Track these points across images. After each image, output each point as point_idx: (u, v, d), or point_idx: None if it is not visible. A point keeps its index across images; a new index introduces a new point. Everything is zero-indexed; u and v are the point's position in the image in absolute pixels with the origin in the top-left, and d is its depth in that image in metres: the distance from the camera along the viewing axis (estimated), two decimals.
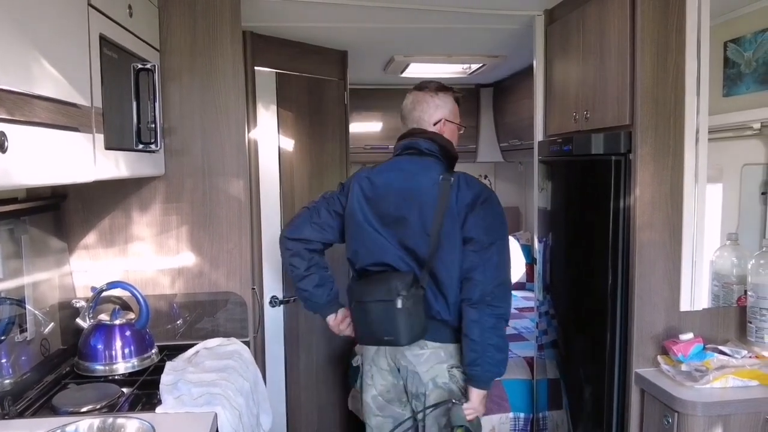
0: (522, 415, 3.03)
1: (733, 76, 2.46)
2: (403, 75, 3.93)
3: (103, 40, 1.59)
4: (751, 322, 2.03)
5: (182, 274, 2.33)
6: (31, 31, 1.20)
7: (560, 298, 2.64)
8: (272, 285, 2.88)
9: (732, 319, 2.11)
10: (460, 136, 2.23)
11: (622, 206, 2.07)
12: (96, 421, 1.61)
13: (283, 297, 2.91)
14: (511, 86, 4.27)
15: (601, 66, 2.20)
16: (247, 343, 2.23)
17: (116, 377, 1.99)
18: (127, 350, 2.03)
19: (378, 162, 2.17)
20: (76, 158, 1.44)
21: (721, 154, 2.42)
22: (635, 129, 2.01)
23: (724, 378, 1.87)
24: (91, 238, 2.27)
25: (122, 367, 2.01)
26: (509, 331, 3.10)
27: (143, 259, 2.30)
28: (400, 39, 3.19)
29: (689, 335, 1.98)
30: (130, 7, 1.83)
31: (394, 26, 2.91)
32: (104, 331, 2.04)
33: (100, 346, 2.01)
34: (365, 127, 4.50)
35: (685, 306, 2.06)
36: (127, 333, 2.05)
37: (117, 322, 2.06)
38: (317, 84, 3.17)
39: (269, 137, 2.89)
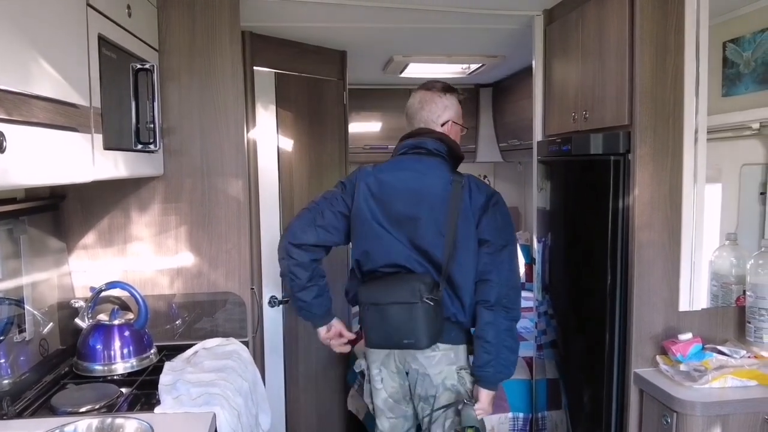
0: (521, 415, 3.03)
1: (732, 76, 2.46)
2: (403, 75, 3.93)
3: (102, 40, 1.59)
4: (749, 322, 2.03)
5: (181, 274, 2.33)
6: (29, 31, 1.21)
7: (559, 298, 2.64)
8: (271, 285, 2.88)
9: (731, 319, 2.11)
10: (462, 138, 2.24)
11: (621, 206, 2.07)
12: (95, 422, 1.61)
13: (282, 297, 2.91)
14: (510, 86, 4.27)
15: (600, 66, 2.20)
16: (246, 343, 2.22)
17: (115, 377, 1.98)
18: (125, 350, 2.03)
19: (377, 162, 2.16)
20: (75, 158, 1.44)
21: (720, 154, 2.42)
22: (634, 129, 2.01)
23: (722, 378, 1.87)
24: (90, 238, 2.27)
25: (121, 367, 2.01)
26: None
27: (142, 259, 2.30)
28: (399, 39, 3.19)
29: (688, 335, 1.99)
30: (128, 7, 1.83)
31: (393, 26, 2.91)
32: (103, 331, 2.03)
33: (98, 347, 2.01)
34: (364, 127, 4.50)
35: (684, 306, 2.06)
36: (126, 333, 2.05)
37: (116, 322, 2.06)
38: (316, 84, 3.17)
39: (268, 137, 2.89)
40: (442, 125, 2.15)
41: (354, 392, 3.26)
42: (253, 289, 2.45)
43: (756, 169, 2.38)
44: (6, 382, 1.73)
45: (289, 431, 3.03)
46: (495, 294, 1.99)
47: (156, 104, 1.92)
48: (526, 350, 3.18)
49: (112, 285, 2.12)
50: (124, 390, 1.86)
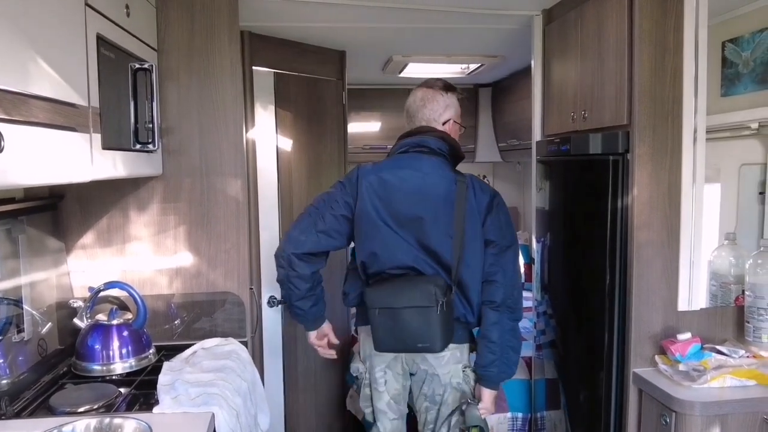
0: (520, 415, 3.03)
1: (731, 76, 2.46)
2: (402, 75, 3.93)
3: (101, 39, 1.59)
4: (748, 322, 2.03)
5: (180, 274, 2.32)
6: (28, 31, 1.20)
7: (558, 298, 2.64)
8: (270, 285, 2.88)
9: (730, 319, 2.11)
10: (460, 137, 2.24)
11: (620, 206, 2.07)
12: (93, 422, 1.61)
13: (281, 297, 2.91)
14: (509, 86, 4.27)
15: (599, 66, 2.20)
16: (245, 343, 2.22)
17: (114, 377, 1.98)
18: (124, 350, 2.02)
19: (376, 161, 2.16)
20: (74, 158, 1.44)
21: (719, 154, 2.42)
22: (633, 129, 2.01)
23: (721, 378, 1.87)
24: (88, 237, 2.27)
25: (120, 367, 2.01)
26: None
27: (141, 259, 2.30)
28: (398, 39, 3.19)
29: (687, 335, 1.98)
30: (127, 6, 1.83)
31: (392, 26, 2.91)
32: (102, 331, 2.03)
33: (97, 346, 2.01)
34: (363, 127, 4.50)
35: (682, 306, 2.06)
36: (125, 333, 2.05)
37: (114, 322, 2.06)
38: (315, 84, 3.17)
39: (267, 137, 2.88)
40: (444, 124, 2.14)
41: (353, 392, 3.26)
42: (252, 289, 2.45)
43: (755, 169, 2.38)
44: (4, 382, 1.73)
45: (288, 431, 3.03)
46: (501, 295, 2.01)
47: (155, 104, 1.93)
48: (525, 350, 3.17)
49: (110, 285, 2.12)
50: (122, 390, 1.86)
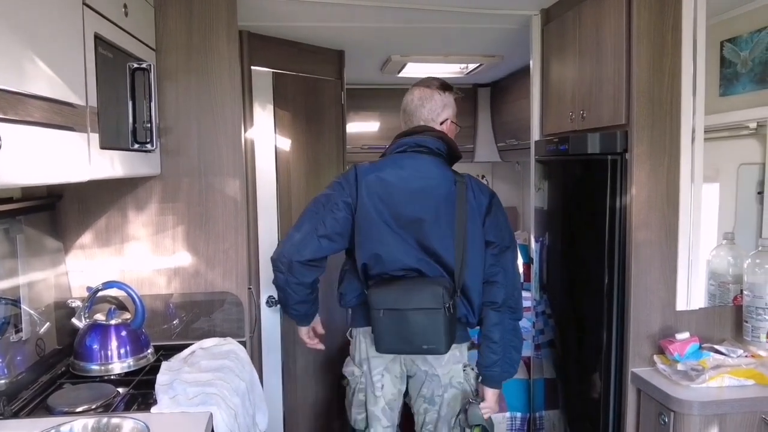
0: (519, 414, 3.03)
1: (729, 76, 2.46)
2: (400, 75, 3.93)
3: (98, 39, 1.59)
4: (747, 322, 2.03)
5: (178, 274, 2.32)
6: (25, 30, 1.20)
7: (557, 297, 2.64)
8: (269, 285, 2.87)
9: (728, 319, 2.12)
10: (456, 136, 2.23)
11: (619, 206, 2.08)
12: (90, 421, 1.60)
13: (277, 299, 2.90)
14: (508, 86, 4.27)
15: (598, 65, 2.20)
16: (243, 343, 2.22)
17: (112, 377, 1.98)
18: (122, 350, 2.02)
19: (373, 161, 2.15)
20: (71, 158, 1.43)
21: (717, 154, 2.42)
22: (631, 128, 2.01)
23: (720, 377, 1.87)
24: (87, 237, 2.27)
25: (118, 367, 2.00)
26: None
27: (139, 258, 2.30)
28: (397, 39, 3.19)
29: (685, 334, 1.98)
30: (125, 6, 1.83)
31: (391, 26, 2.91)
32: (100, 331, 2.03)
33: (95, 346, 2.00)
34: (362, 126, 4.50)
35: (681, 305, 2.06)
36: (123, 333, 2.04)
37: (113, 322, 2.06)
38: (314, 84, 3.17)
39: (266, 137, 2.88)
40: (441, 123, 2.14)
41: None
42: (250, 288, 2.45)
43: (753, 169, 2.38)
44: (2, 382, 1.73)
45: (287, 431, 3.02)
46: (502, 295, 2.02)
47: (153, 104, 1.92)
48: (524, 350, 3.17)
49: (109, 285, 2.12)
50: (120, 390, 1.86)
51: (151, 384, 1.82)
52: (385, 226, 1.98)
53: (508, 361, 2.06)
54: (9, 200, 1.87)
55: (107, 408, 1.72)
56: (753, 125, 2.28)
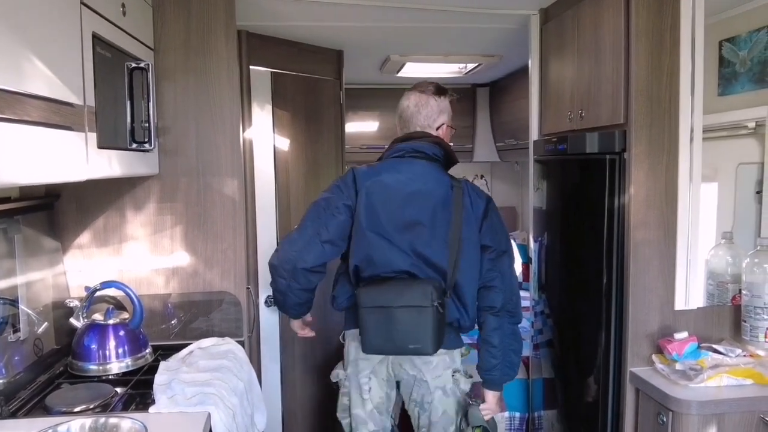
0: (517, 414, 3.03)
1: (728, 75, 2.46)
2: (399, 75, 3.93)
3: (96, 38, 1.59)
4: (745, 321, 2.03)
5: (176, 274, 2.32)
6: (22, 30, 1.20)
7: (555, 297, 2.64)
8: (267, 285, 2.87)
9: (726, 318, 2.12)
10: (454, 136, 2.24)
11: (617, 205, 2.08)
12: (88, 421, 1.60)
13: (273, 299, 2.90)
14: (507, 86, 4.27)
15: (596, 65, 2.20)
16: (241, 343, 2.22)
17: (110, 377, 1.98)
18: (120, 350, 2.02)
19: (371, 161, 2.16)
20: (69, 157, 1.43)
21: (716, 153, 2.42)
22: (630, 128, 2.01)
23: (718, 377, 1.87)
24: (85, 237, 2.26)
25: (116, 366, 2.00)
26: None
27: (137, 258, 2.30)
28: (396, 38, 3.19)
29: (684, 334, 1.98)
30: (123, 5, 1.83)
31: (389, 26, 2.91)
32: (98, 330, 2.03)
33: (93, 346, 2.00)
34: (361, 126, 4.50)
35: (679, 305, 2.06)
36: (121, 333, 2.04)
37: (111, 321, 2.05)
38: (313, 83, 3.17)
39: (264, 137, 2.88)
40: (437, 129, 2.14)
41: None
42: (249, 288, 2.44)
43: (752, 168, 2.38)
44: (0, 381, 1.72)
45: (285, 431, 3.02)
46: (500, 300, 2.02)
47: (151, 103, 1.92)
48: (523, 349, 3.18)
49: (107, 284, 2.11)
50: (118, 390, 1.86)
51: (149, 384, 1.81)
52: (381, 229, 1.97)
53: (508, 365, 2.07)
54: (7, 200, 1.87)
55: (105, 408, 1.72)
56: (751, 125, 2.28)
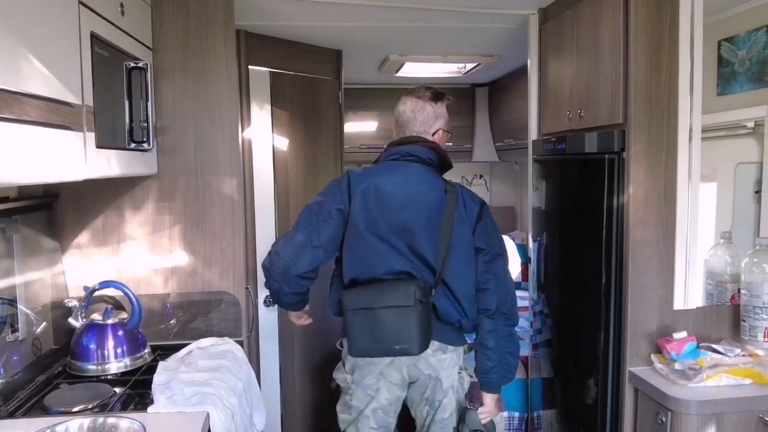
0: (516, 414, 3.03)
1: (727, 75, 2.46)
2: (398, 74, 3.93)
3: (95, 38, 1.58)
4: (744, 321, 2.03)
5: (175, 274, 2.32)
6: (20, 29, 1.20)
7: (554, 297, 2.64)
8: None
9: (725, 318, 2.12)
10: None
11: (616, 204, 2.07)
12: (86, 421, 1.60)
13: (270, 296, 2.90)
14: (506, 86, 4.27)
15: (595, 64, 2.20)
16: (240, 343, 2.22)
17: (108, 377, 1.97)
18: (119, 350, 2.02)
19: (370, 161, 2.16)
20: (67, 157, 1.43)
21: (715, 153, 2.42)
22: (629, 127, 2.01)
23: (717, 376, 1.87)
24: (83, 237, 2.26)
25: (114, 366, 2.00)
26: None
27: (136, 258, 2.29)
28: (395, 38, 3.19)
29: (683, 333, 1.98)
30: (122, 5, 1.82)
31: (389, 25, 2.91)
32: (97, 330, 2.02)
33: (92, 346, 2.00)
34: (360, 126, 4.50)
35: (678, 304, 2.06)
36: (120, 333, 2.04)
37: (109, 321, 2.05)
38: (312, 83, 3.17)
39: (263, 136, 2.88)
40: (433, 134, 2.15)
41: None
42: (248, 288, 2.44)
43: (751, 168, 2.38)
44: None
45: (285, 431, 3.02)
46: (495, 302, 2.03)
47: (149, 103, 1.92)
48: (522, 349, 3.16)
49: (105, 284, 2.11)
50: (117, 390, 1.86)
51: (147, 384, 1.81)
52: (377, 233, 1.98)
53: (505, 367, 2.08)
54: (5, 199, 1.87)
55: (104, 408, 1.72)
56: (750, 124, 2.28)
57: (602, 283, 2.12)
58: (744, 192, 2.41)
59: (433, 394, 2.08)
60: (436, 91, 2.17)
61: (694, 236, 2.05)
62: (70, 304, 2.12)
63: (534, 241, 2.82)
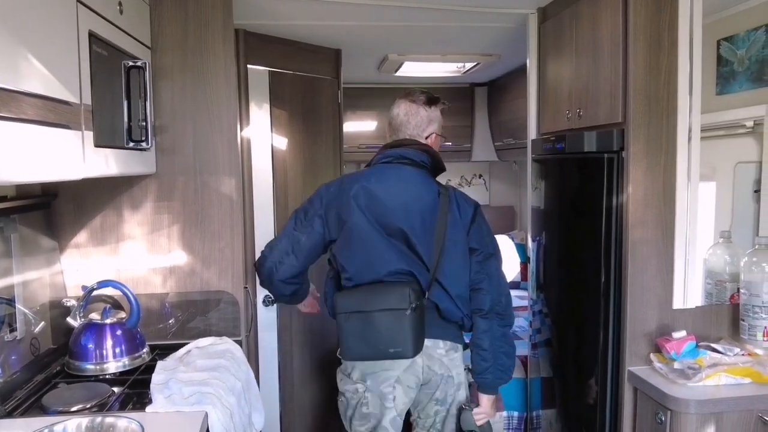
0: (516, 413, 3.03)
1: (726, 75, 2.46)
2: (398, 74, 3.93)
3: (93, 37, 1.58)
4: (743, 320, 2.03)
5: (174, 273, 2.31)
6: (18, 28, 1.19)
7: (554, 296, 2.64)
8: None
9: (725, 317, 2.12)
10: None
11: (615, 204, 2.07)
12: (84, 421, 1.60)
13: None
14: (505, 85, 4.27)
15: (594, 63, 2.20)
16: (239, 343, 2.21)
17: (107, 376, 1.97)
18: (117, 349, 2.01)
19: (367, 161, 2.16)
20: (65, 155, 1.43)
21: (714, 153, 2.42)
22: (628, 126, 2.01)
23: (716, 376, 1.87)
24: (82, 236, 2.26)
25: (113, 366, 1.99)
26: None
27: (135, 257, 2.29)
28: (394, 38, 3.19)
29: (682, 333, 1.98)
30: (120, 4, 1.82)
31: (388, 24, 2.90)
32: (95, 330, 2.02)
33: (90, 346, 1.99)
34: (359, 126, 4.50)
35: (678, 304, 2.06)
36: (118, 332, 2.03)
37: (108, 321, 2.05)
38: (311, 82, 3.16)
39: (262, 136, 2.88)
40: (427, 138, 2.15)
41: None
42: (246, 288, 2.44)
43: (750, 167, 2.38)
44: None
45: (284, 431, 3.02)
46: (488, 302, 2.04)
47: (148, 102, 1.92)
48: (521, 349, 3.17)
49: (104, 284, 2.10)
50: (115, 389, 1.85)
51: (146, 383, 1.81)
52: (375, 235, 1.99)
53: (500, 368, 2.08)
54: (3, 198, 1.86)
55: (102, 407, 1.71)
56: (749, 124, 2.28)
57: (601, 283, 2.12)
58: (743, 191, 2.41)
59: (445, 392, 2.09)
60: (430, 96, 2.17)
61: (694, 235, 2.05)
62: (68, 304, 2.12)
63: (533, 240, 2.82)
